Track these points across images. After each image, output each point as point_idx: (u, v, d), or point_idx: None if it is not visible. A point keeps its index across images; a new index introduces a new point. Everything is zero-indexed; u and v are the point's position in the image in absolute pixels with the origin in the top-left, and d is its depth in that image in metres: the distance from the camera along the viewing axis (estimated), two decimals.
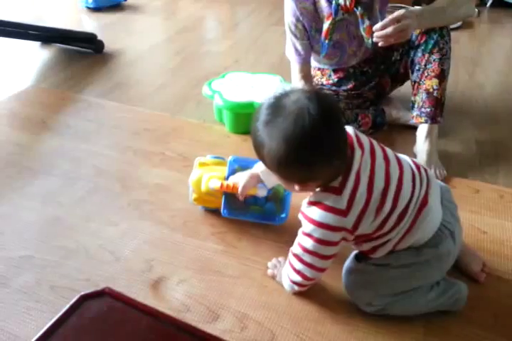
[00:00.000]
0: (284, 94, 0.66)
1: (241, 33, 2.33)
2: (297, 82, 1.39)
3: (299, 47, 1.33)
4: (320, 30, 1.29)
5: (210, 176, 1.01)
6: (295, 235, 0.80)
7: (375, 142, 0.77)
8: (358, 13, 1.23)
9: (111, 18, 2.49)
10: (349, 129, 0.74)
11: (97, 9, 2.56)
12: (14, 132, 1.44)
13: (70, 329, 0.67)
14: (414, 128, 1.31)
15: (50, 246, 1.01)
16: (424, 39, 1.23)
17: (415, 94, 1.28)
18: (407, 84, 1.39)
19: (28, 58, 2.00)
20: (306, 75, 1.37)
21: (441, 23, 1.21)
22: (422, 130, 1.26)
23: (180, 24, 2.43)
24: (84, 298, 0.71)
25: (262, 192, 0.98)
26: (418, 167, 0.79)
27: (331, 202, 0.70)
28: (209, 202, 1.06)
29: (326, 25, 1.27)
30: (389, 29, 1.08)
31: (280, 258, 0.94)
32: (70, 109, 1.58)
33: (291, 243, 0.82)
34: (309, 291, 0.89)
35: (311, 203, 0.73)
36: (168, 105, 1.61)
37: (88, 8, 2.57)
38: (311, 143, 0.64)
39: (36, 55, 2.03)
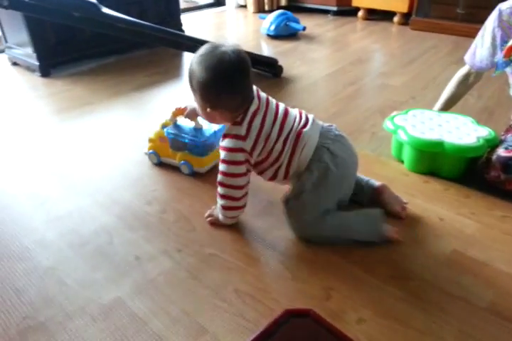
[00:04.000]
0: (218, 45, 0.96)
1: (417, 69, 2.27)
2: (452, 81, 1.48)
3: (478, 54, 1.35)
4: None
5: (163, 122, 1.40)
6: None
7: (271, 99, 1.07)
8: None
9: (288, 45, 2.65)
10: (254, 88, 1.02)
11: (276, 37, 2.76)
12: None
13: None
14: None
15: (231, 248, 1.07)
16: None
17: None
18: None
19: None
20: (465, 80, 1.45)
21: None
22: None
23: (353, 56, 2.47)
24: (289, 314, 0.71)
25: (198, 124, 1.32)
26: (301, 113, 1.09)
27: (234, 131, 1.00)
28: (160, 150, 1.40)
29: (510, 42, 1.19)
30: None
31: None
32: None
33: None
34: None
35: (224, 136, 1.02)
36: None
37: (268, 35, 2.78)
38: (224, 75, 0.94)
39: None
